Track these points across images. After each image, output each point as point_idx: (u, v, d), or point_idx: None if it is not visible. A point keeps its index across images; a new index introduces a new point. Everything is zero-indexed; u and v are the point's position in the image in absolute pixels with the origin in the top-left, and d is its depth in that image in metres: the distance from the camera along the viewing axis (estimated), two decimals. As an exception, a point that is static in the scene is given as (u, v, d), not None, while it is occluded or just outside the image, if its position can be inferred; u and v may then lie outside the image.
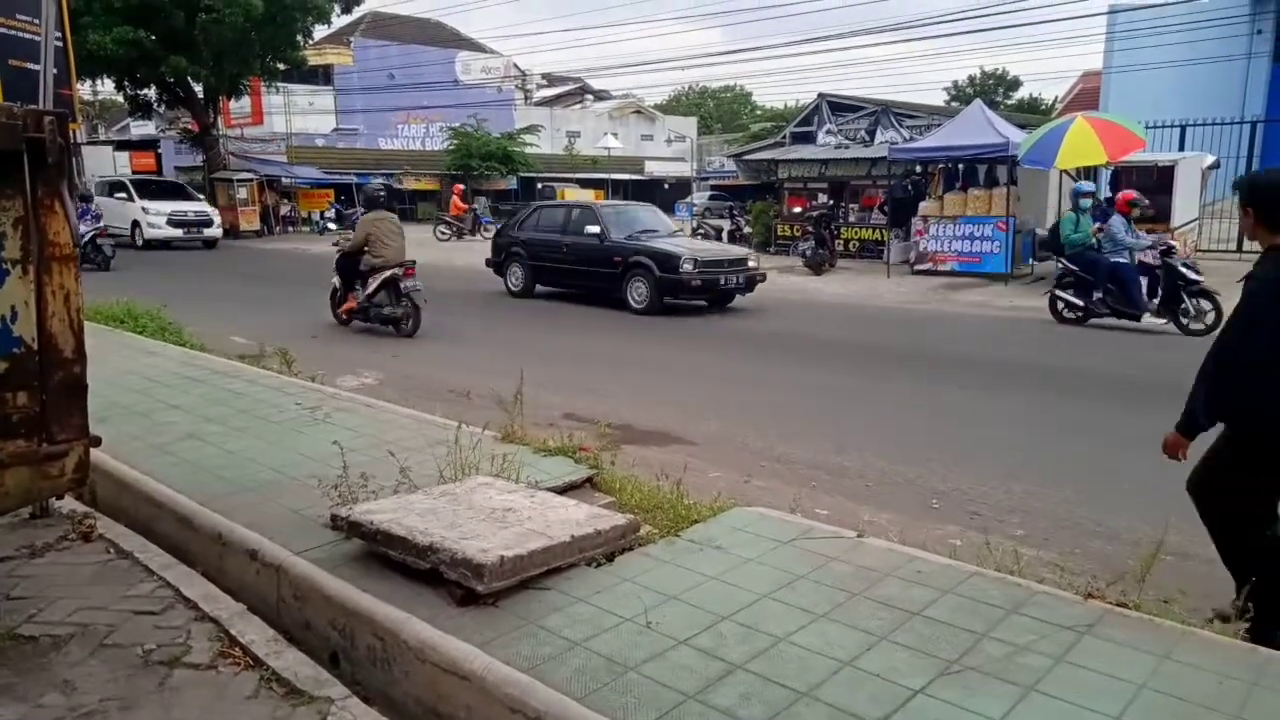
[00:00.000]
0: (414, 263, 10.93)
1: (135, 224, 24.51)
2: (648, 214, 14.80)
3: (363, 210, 12.63)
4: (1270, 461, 3.24)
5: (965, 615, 3.12)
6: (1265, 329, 3.13)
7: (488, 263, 15.49)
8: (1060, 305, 11.88)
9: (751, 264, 13.35)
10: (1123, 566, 3.55)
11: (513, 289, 14.84)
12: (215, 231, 25.64)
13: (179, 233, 24.68)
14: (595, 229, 13.34)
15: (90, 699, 2.79)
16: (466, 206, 30.25)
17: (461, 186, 32.79)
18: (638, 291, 12.79)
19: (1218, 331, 3.25)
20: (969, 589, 3.33)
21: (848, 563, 3.57)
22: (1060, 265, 12.09)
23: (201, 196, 27.56)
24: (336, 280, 11.35)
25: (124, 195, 25.12)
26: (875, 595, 3.28)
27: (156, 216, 24.51)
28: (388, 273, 10.66)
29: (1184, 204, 14.67)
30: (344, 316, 11.23)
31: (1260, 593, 3.11)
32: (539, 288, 14.63)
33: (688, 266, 12.34)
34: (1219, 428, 3.40)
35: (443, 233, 29.01)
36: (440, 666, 2.83)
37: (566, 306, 13.71)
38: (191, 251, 23.97)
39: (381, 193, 12.14)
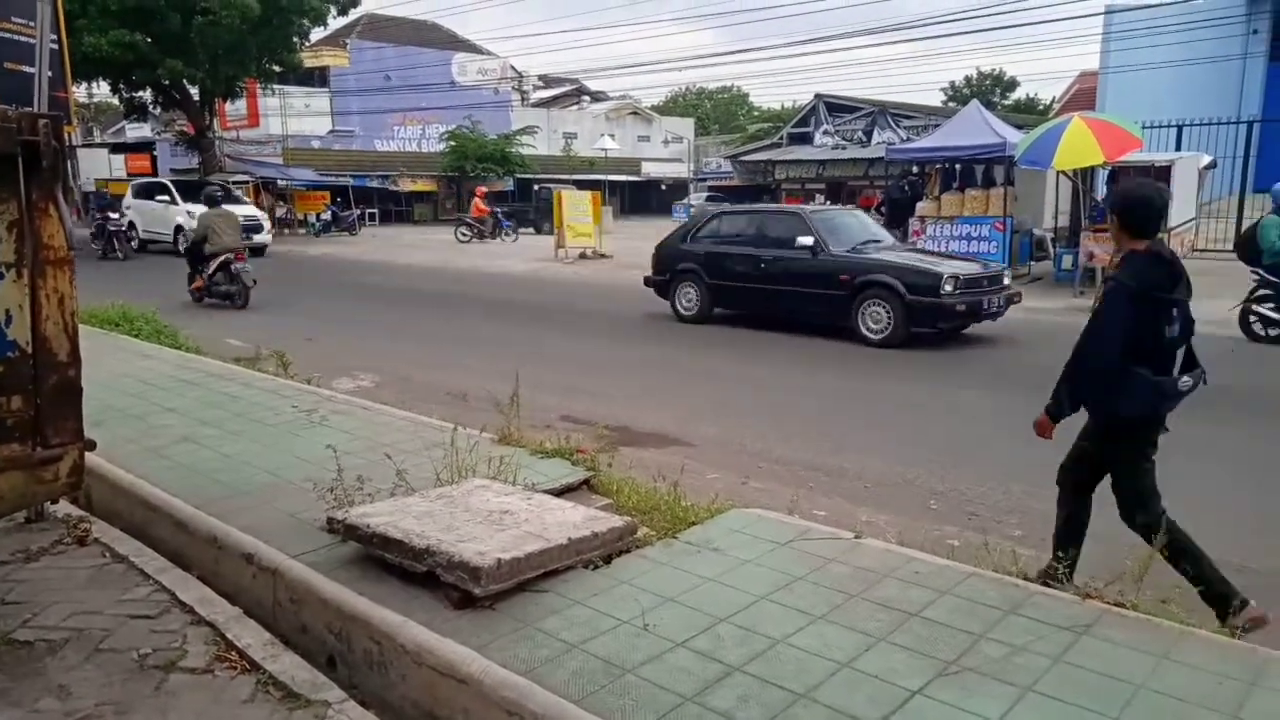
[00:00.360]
0: (245, 250, 13.93)
1: (179, 229, 22.35)
2: (860, 221, 12.46)
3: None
4: (1134, 441, 3.57)
5: (963, 616, 3.11)
6: (1120, 326, 3.42)
7: (648, 281, 12.96)
8: (1254, 320, 10.18)
9: (1006, 281, 11.04)
10: (1120, 566, 3.54)
11: (684, 313, 12.24)
12: (264, 237, 23.40)
13: None
14: (807, 240, 10.92)
15: (85, 703, 2.78)
16: (488, 209, 30.13)
17: (484, 189, 32.70)
18: (874, 318, 10.30)
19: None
20: (967, 590, 3.33)
21: (846, 564, 3.57)
22: (1257, 276, 10.27)
23: (248, 200, 26.16)
24: (188, 266, 14.10)
25: (166, 198, 23.79)
26: (873, 596, 3.28)
27: None
28: (222, 257, 13.28)
29: (1181, 204, 14.66)
30: (195, 294, 13.72)
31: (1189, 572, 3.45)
32: (717, 310, 12.10)
33: (949, 287, 9.91)
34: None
35: (463, 234, 29.05)
36: (437, 669, 2.82)
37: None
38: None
39: (218, 192, 15.88)
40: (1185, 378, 3.52)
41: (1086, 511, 3.76)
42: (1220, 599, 3.39)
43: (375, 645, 3.04)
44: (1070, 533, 3.74)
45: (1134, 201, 3.61)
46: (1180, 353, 3.55)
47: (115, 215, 23.28)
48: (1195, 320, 3.58)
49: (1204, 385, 3.57)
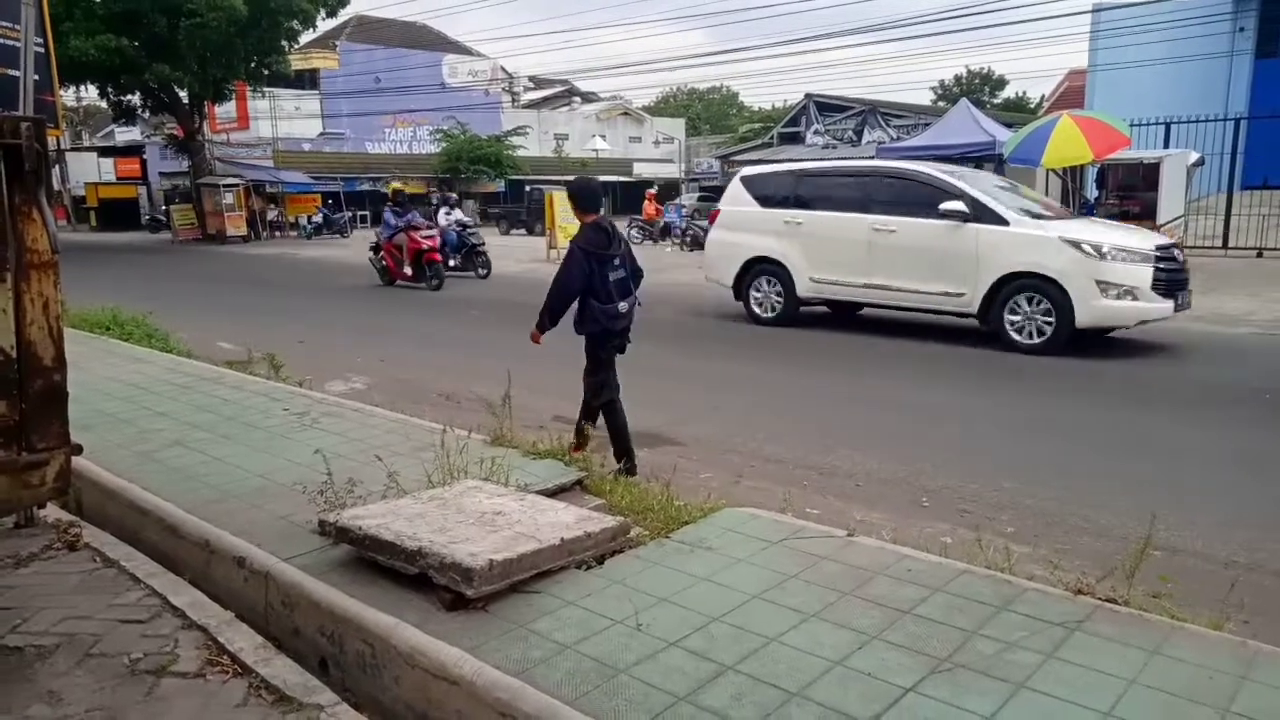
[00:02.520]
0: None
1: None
2: None
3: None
4: (596, 349, 5.07)
5: (956, 613, 3.12)
6: (581, 275, 4.86)
7: None
8: None
9: None
10: (1112, 562, 3.55)
11: None
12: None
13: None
14: None
15: (76, 710, 2.76)
16: (658, 211, 29.47)
17: (654, 190, 32.16)
18: None
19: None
20: (959, 586, 3.33)
21: (838, 562, 3.57)
22: None
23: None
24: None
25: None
26: (866, 594, 3.28)
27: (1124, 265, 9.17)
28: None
29: (1169, 201, 14.74)
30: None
31: (613, 438, 5.13)
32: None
33: None
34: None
35: (635, 237, 29.04)
36: (430, 671, 2.81)
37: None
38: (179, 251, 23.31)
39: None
40: (623, 304, 5.00)
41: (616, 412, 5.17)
42: (626, 459, 5.05)
43: (368, 648, 3.03)
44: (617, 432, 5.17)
45: (582, 190, 5.19)
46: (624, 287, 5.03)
47: None
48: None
49: (640, 306, 5.15)
